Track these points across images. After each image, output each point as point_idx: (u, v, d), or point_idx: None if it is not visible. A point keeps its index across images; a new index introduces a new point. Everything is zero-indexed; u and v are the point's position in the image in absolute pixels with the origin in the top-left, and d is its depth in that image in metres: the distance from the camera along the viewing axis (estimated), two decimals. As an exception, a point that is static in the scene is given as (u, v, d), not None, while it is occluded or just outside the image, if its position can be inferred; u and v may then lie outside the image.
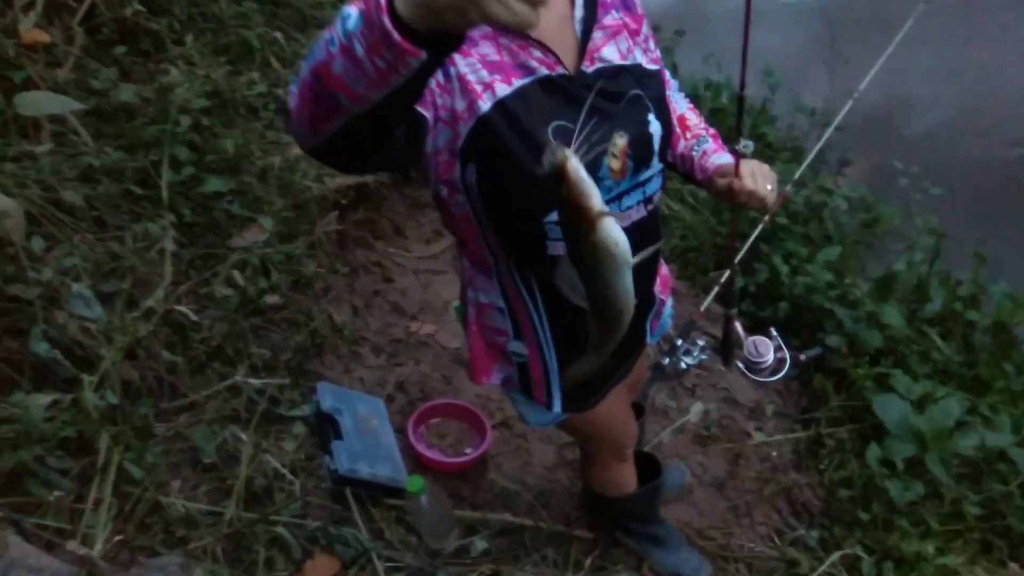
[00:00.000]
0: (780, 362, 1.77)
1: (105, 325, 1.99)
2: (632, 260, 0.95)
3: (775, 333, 1.80)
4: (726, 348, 1.78)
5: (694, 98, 3.87)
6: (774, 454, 2.40)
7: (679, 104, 1.54)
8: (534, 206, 1.18)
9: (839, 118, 2.77)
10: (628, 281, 0.98)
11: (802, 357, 1.88)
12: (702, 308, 2.35)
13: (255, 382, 2.21)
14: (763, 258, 2.97)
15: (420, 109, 1.03)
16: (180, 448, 2.07)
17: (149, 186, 2.24)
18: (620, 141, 1.19)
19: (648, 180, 1.28)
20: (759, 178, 1.39)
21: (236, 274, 2.25)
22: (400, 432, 2.37)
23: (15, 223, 2.00)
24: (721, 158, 1.45)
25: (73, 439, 1.83)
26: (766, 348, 1.77)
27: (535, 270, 1.28)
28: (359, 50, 0.76)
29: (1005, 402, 2.28)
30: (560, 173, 0.86)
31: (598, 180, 1.19)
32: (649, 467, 2.03)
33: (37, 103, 2.02)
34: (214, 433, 2.02)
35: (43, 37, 2.29)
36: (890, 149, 4.26)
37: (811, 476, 2.35)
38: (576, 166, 0.87)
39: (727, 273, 1.82)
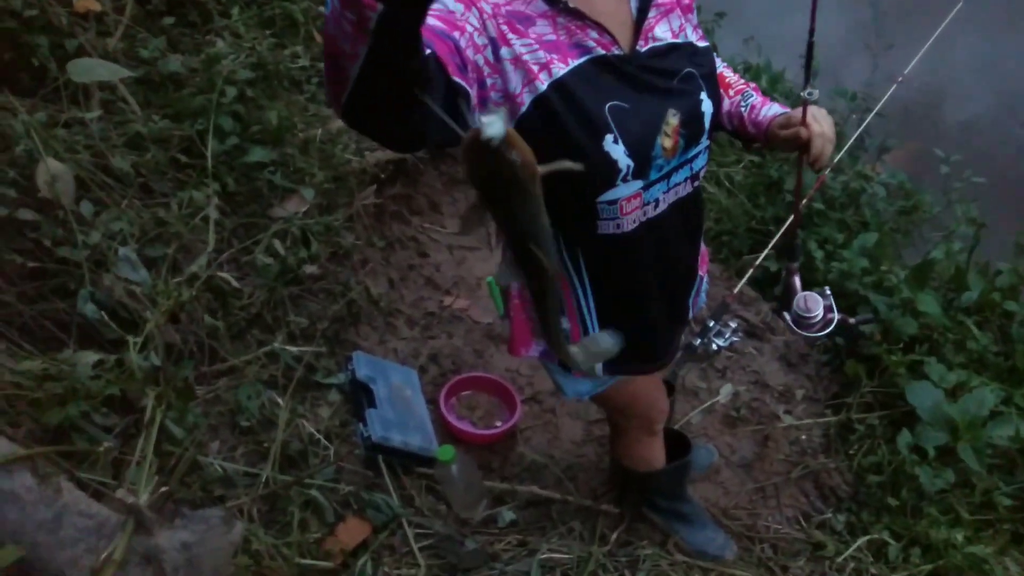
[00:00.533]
0: (828, 322, 1.75)
1: (150, 289, 2.04)
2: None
3: (828, 292, 1.78)
4: (786, 298, 1.77)
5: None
6: (803, 437, 2.41)
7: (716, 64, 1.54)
8: (588, 185, 1.20)
9: (881, 103, 2.74)
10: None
11: (851, 320, 1.86)
12: (735, 290, 2.36)
13: (292, 349, 2.26)
14: (802, 244, 2.95)
15: (460, 80, 1.03)
16: (219, 411, 2.13)
17: (194, 155, 2.29)
18: (673, 120, 1.21)
19: (696, 156, 1.30)
20: (822, 121, 1.37)
21: (277, 243, 2.30)
22: (432, 403, 2.41)
23: (65, 187, 2.05)
24: (771, 109, 1.43)
25: (117, 397, 1.90)
26: (816, 304, 1.74)
27: (583, 247, 1.30)
28: (336, 6, 0.77)
29: (1041, 393, 2.26)
30: (507, 141, 0.82)
31: (651, 158, 1.21)
32: (678, 445, 2.05)
33: (89, 70, 2.05)
34: (255, 395, 2.07)
35: (94, 6, 2.34)
36: (931, 136, 4.19)
37: (840, 461, 2.35)
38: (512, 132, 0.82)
39: (791, 221, 1.79)
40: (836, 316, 1.75)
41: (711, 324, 2.36)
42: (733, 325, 2.66)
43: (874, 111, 2.79)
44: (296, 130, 2.48)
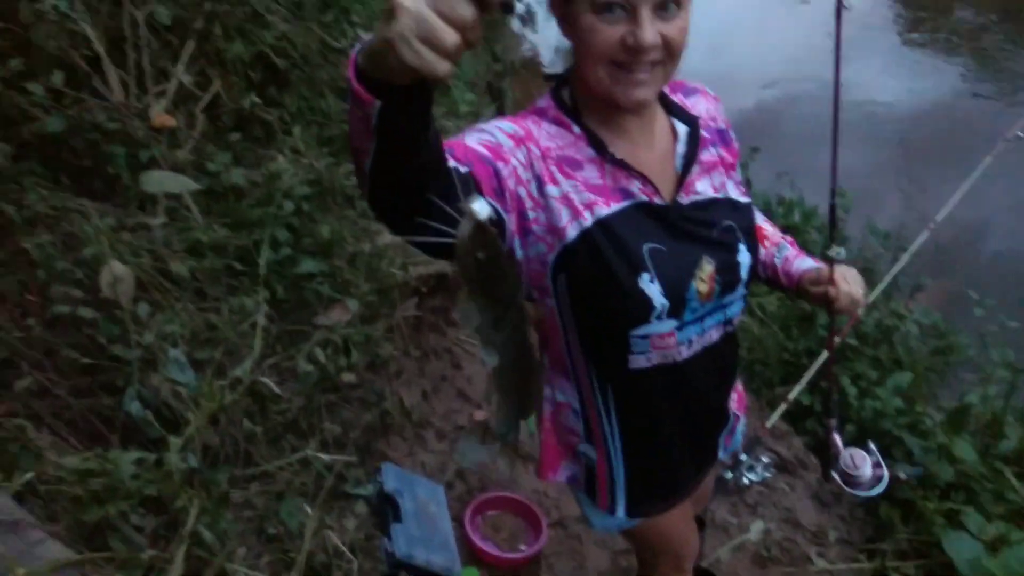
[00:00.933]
0: (878, 479, 1.72)
1: (195, 390, 2.11)
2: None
3: (873, 447, 1.77)
4: (824, 460, 1.76)
5: (767, 214, 3.95)
6: (836, 583, 2.34)
7: (755, 217, 1.61)
8: (622, 318, 1.24)
9: (915, 246, 2.80)
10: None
11: (901, 475, 1.83)
12: (768, 424, 2.36)
13: (325, 457, 2.28)
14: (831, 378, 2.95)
15: (494, 201, 1.06)
16: (248, 516, 2.14)
17: (248, 263, 2.40)
18: (708, 267, 1.26)
19: (731, 304, 1.34)
20: (851, 281, 1.43)
21: (319, 351, 2.36)
22: (456, 520, 2.39)
23: (125, 288, 2.16)
24: (804, 263, 1.49)
25: (152, 498, 1.93)
26: (862, 461, 1.73)
27: (613, 380, 1.33)
28: (348, 103, 0.82)
29: (1086, 552, 2.18)
30: (480, 228, 0.82)
31: (685, 300, 1.26)
32: (707, 584, 2.00)
33: (160, 182, 2.21)
34: (295, 510, 2.08)
35: (170, 122, 2.52)
36: (965, 275, 4.22)
37: (875, 610, 2.27)
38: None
39: (814, 376, 1.82)
40: (885, 472, 1.72)
41: (743, 458, 2.36)
42: (765, 460, 2.65)
43: (908, 252, 2.85)
44: (346, 243, 2.59)
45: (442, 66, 0.70)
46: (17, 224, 2.09)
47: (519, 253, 1.21)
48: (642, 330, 1.25)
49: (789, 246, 1.54)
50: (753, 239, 1.36)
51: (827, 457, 1.75)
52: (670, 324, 1.26)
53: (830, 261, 1.44)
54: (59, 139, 2.30)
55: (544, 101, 1.27)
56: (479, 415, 2.80)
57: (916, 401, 2.71)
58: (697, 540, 1.89)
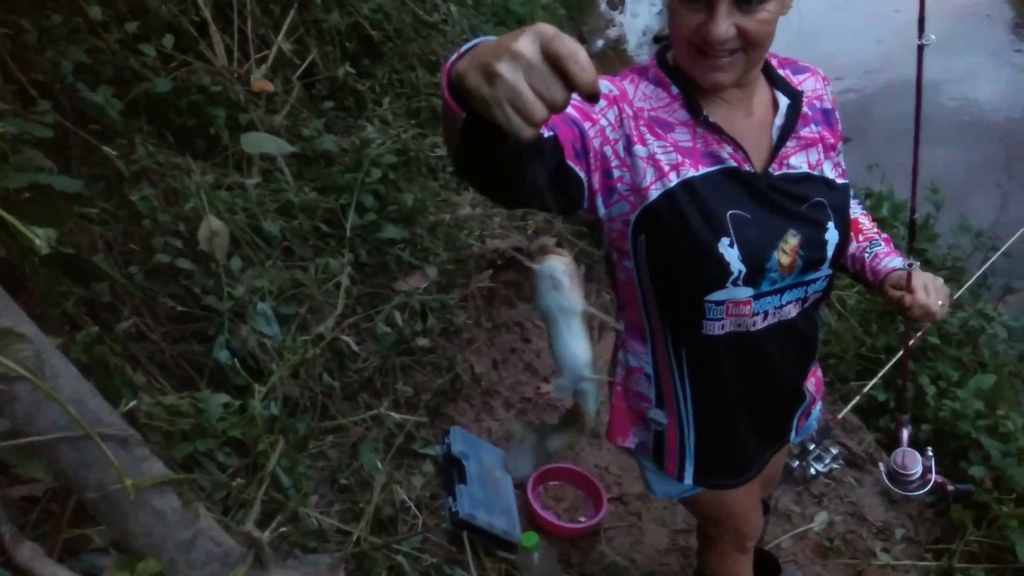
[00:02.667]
0: (925, 482, 1.72)
1: (279, 343, 2.22)
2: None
3: (931, 453, 1.76)
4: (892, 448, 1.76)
5: (852, 206, 3.85)
6: (900, 579, 2.30)
7: (853, 209, 1.57)
8: (698, 282, 1.26)
9: (1008, 244, 2.70)
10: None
11: (950, 487, 1.81)
12: (840, 415, 2.32)
13: (396, 416, 2.37)
14: (910, 376, 2.88)
15: (574, 165, 1.10)
16: (321, 466, 2.25)
17: (335, 226, 2.50)
18: (793, 239, 1.27)
19: (813, 281, 1.33)
20: (932, 292, 1.39)
21: (396, 315, 2.45)
22: (519, 488, 2.45)
23: (221, 243, 2.28)
24: (893, 261, 1.46)
25: (236, 440, 2.05)
26: (913, 462, 1.72)
27: (687, 345, 1.35)
28: (443, 92, 0.85)
29: None
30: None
31: (765, 270, 1.27)
32: (767, 568, 2.00)
33: (259, 143, 2.32)
34: (365, 451, 2.17)
35: (269, 87, 2.64)
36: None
37: (938, 610, 2.23)
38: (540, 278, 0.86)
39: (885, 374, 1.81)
40: (934, 478, 1.72)
41: (811, 447, 2.33)
42: (834, 451, 2.60)
43: (1000, 250, 2.75)
44: (428, 213, 2.67)
45: (528, 132, 0.73)
46: (125, 177, 2.23)
47: (602, 211, 1.24)
48: (718, 295, 1.26)
49: (883, 243, 1.51)
50: (845, 220, 1.35)
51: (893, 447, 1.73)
52: (747, 292, 1.27)
53: (908, 274, 1.40)
54: (166, 99, 2.44)
55: (650, 60, 1.29)
56: (545, 388, 2.85)
57: (998, 404, 2.62)
58: (761, 521, 1.89)
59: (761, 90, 1.30)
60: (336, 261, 2.38)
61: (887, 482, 1.74)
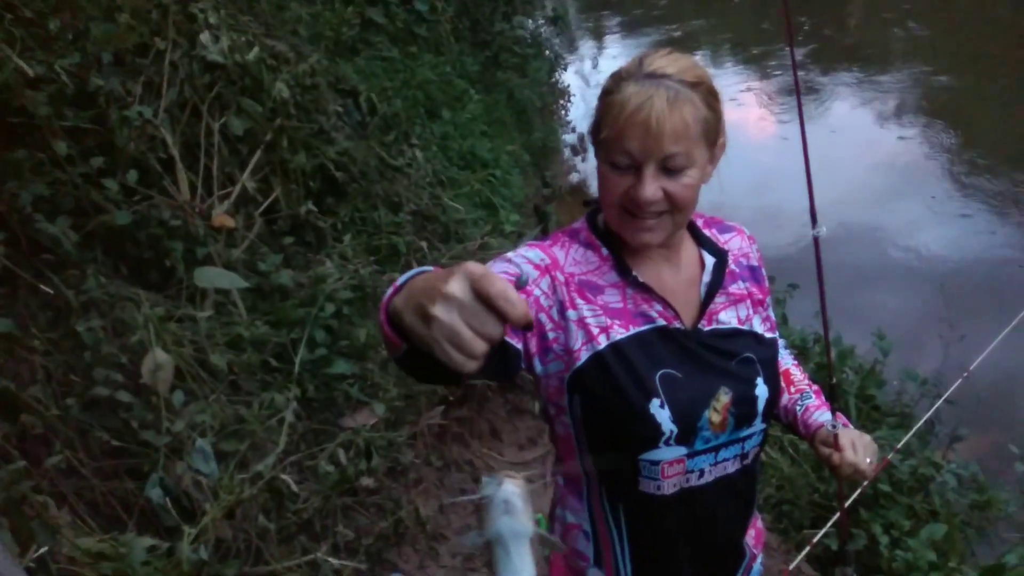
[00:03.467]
0: None
1: (216, 481, 2.15)
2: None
3: None
4: None
5: (802, 351, 3.93)
6: None
7: (784, 359, 1.60)
8: (631, 442, 1.25)
9: (948, 392, 2.75)
10: None
11: None
12: (791, 566, 2.27)
13: (335, 562, 2.27)
14: (862, 524, 2.85)
15: (511, 340, 1.15)
16: (252, 616, 2.13)
17: (285, 360, 2.48)
18: (724, 397, 1.27)
19: (748, 437, 1.33)
20: (859, 450, 1.39)
21: (341, 452, 2.40)
22: (462, 641, 2.33)
23: (164, 376, 2.25)
24: (823, 415, 1.47)
25: (161, 587, 1.93)
26: None
27: (624, 502, 1.33)
28: (380, 328, 0.90)
29: None
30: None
31: (697, 428, 1.27)
32: None
33: (211, 278, 2.34)
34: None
35: (229, 223, 2.69)
36: (1007, 430, 4.09)
37: None
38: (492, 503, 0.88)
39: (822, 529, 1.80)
40: None
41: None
42: (787, 607, 2.52)
43: (942, 399, 2.80)
44: (380, 348, 2.67)
45: (469, 365, 0.76)
46: (73, 307, 2.22)
47: (539, 369, 1.26)
48: (651, 455, 1.26)
49: (814, 395, 1.53)
50: (774, 374, 1.37)
51: None
52: (679, 451, 1.27)
53: (835, 432, 1.41)
54: (125, 231, 2.47)
55: (580, 223, 1.35)
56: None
57: (951, 556, 2.59)
58: None
59: (688, 249, 1.36)
60: (282, 396, 2.35)
61: None
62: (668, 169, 1.19)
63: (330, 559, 2.27)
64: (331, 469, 2.38)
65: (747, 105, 8.93)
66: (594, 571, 1.41)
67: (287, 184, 2.91)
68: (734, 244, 1.42)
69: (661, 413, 1.23)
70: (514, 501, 0.85)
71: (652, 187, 1.19)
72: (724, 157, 1.29)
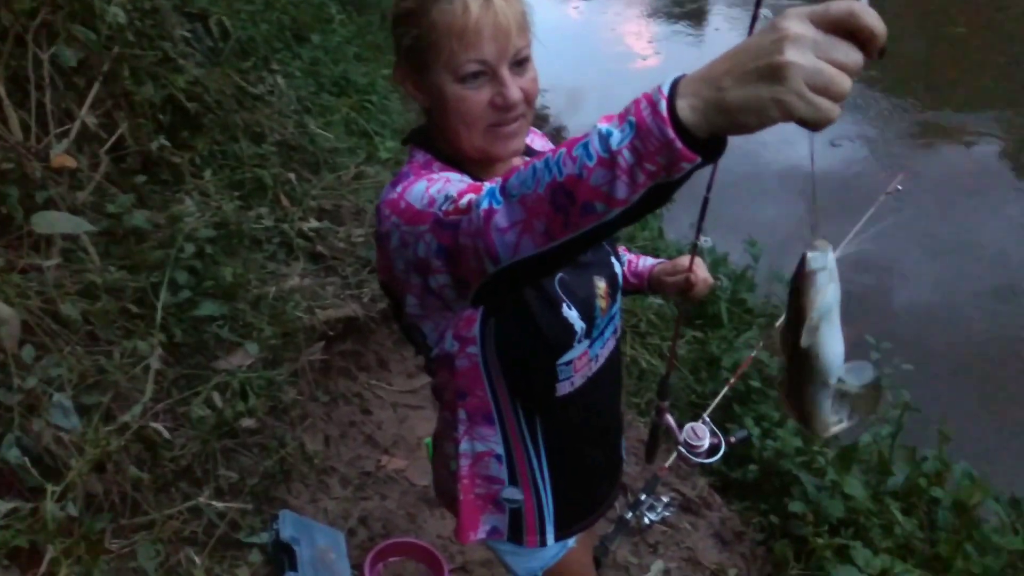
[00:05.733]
0: (714, 447, 1.96)
1: (79, 436, 2.04)
2: (833, 383, 0.90)
3: (707, 419, 2.01)
4: (653, 441, 1.94)
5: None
6: (731, 621, 2.36)
7: None
8: (550, 350, 1.29)
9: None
10: (820, 400, 0.93)
11: (732, 439, 2.07)
12: (667, 463, 2.39)
13: (218, 505, 2.22)
14: (736, 419, 3.02)
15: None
16: (133, 567, 2.07)
17: (146, 306, 2.36)
18: (601, 284, 1.35)
19: (617, 311, 1.43)
20: (701, 268, 1.58)
21: (216, 395, 2.32)
22: (357, 568, 2.35)
23: (9, 331, 2.10)
24: (647, 261, 1.65)
25: (25, 549, 1.85)
26: (703, 433, 1.96)
27: (541, 412, 1.38)
28: (626, 160, 0.77)
29: (966, 584, 2.27)
30: (803, 277, 0.84)
31: (594, 319, 1.32)
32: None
33: (51, 222, 2.18)
34: (162, 553, 2.01)
35: (70, 163, 2.49)
36: (872, 324, 4.40)
37: (768, 647, 2.30)
38: (815, 270, 0.83)
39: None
40: (721, 440, 1.97)
41: (643, 498, 2.38)
42: (665, 499, 2.67)
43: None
44: (250, 286, 2.57)
45: (837, 112, 0.70)
46: None
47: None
48: (567, 356, 1.31)
49: (625, 252, 1.67)
50: (616, 248, 1.48)
51: (655, 441, 1.92)
52: (584, 345, 1.34)
53: (693, 250, 1.58)
54: (-52, 180, 2.25)
55: (420, 157, 1.28)
56: (385, 460, 2.77)
57: (815, 442, 2.79)
58: (595, 577, 1.90)
59: (517, 161, 1.36)
60: (145, 343, 2.24)
61: (684, 454, 1.96)
62: (518, 65, 1.18)
63: (213, 503, 2.22)
64: (207, 413, 2.31)
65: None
66: (510, 490, 1.44)
67: (134, 118, 2.71)
68: (538, 145, 1.45)
69: (571, 315, 1.28)
70: (834, 267, 0.82)
71: (515, 87, 1.17)
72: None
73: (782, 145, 6.42)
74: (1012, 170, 6.58)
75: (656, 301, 3.66)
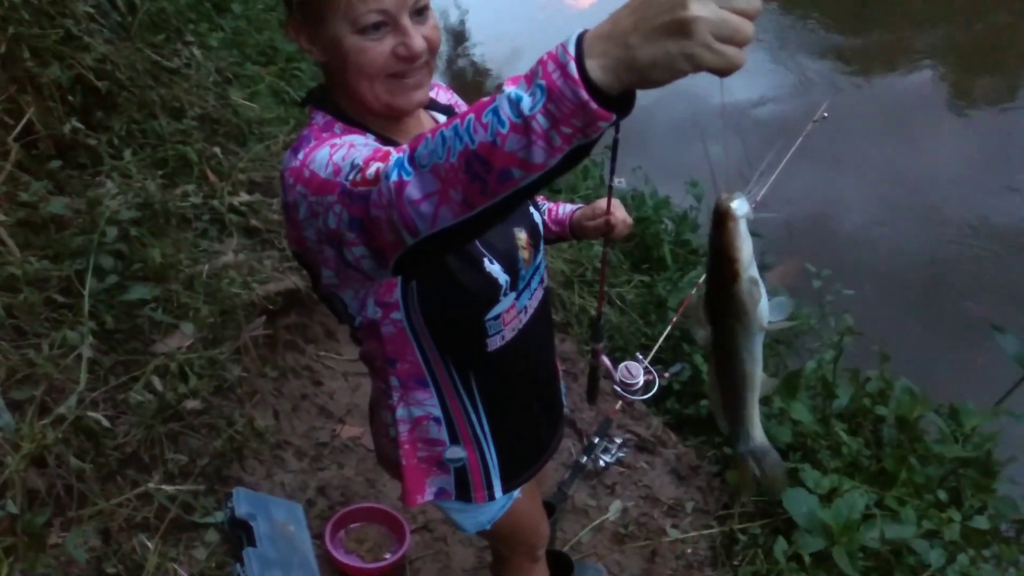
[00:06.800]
0: (648, 384, 2.03)
1: (12, 433, 1.98)
2: (766, 326, 0.97)
3: (641, 357, 2.07)
4: (593, 383, 1.93)
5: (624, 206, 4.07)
6: (689, 551, 2.42)
7: None
8: (476, 306, 1.28)
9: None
10: (755, 345, 1.00)
11: (666, 375, 2.13)
12: (618, 406, 2.42)
13: (168, 488, 2.19)
14: (686, 357, 3.06)
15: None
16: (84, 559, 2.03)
17: (72, 294, 2.28)
18: (521, 235, 1.34)
19: (541, 261, 1.43)
20: (620, 207, 1.60)
21: (155, 380, 2.27)
22: (318, 538, 2.35)
23: (-72, 333, 2.02)
24: (565, 208, 1.66)
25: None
26: (637, 371, 2.02)
27: (475, 369, 1.36)
28: (540, 125, 0.76)
29: (911, 494, 2.34)
30: (721, 216, 0.90)
31: (518, 271, 1.31)
32: (560, 567, 2.03)
33: (-40, 216, 2.08)
34: (111, 541, 1.98)
35: (-25, 153, 2.38)
36: (815, 253, 4.48)
37: (725, 572, 2.36)
38: (739, 217, 0.89)
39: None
40: (655, 376, 2.04)
41: (596, 441, 2.41)
42: (619, 441, 2.71)
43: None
44: (181, 266, 2.51)
45: (744, 57, 0.72)
46: None
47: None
48: (494, 311, 1.30)
49: (544, 201, 1.68)
50: (533, 200, 1.47)
51: (595, 381, 1.91)
52: (511, 297, 1.33)
53: (609, 191, 1.58)
54: None
55: (320, 119, 1.22)
56: (339, 429, 2.76)
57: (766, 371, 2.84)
58: (547, 526, 1.91)
59: (423, 116, 1.34)
60: (74, 333, 2.17)
61: (621, 393, 2.01)
62: (418, 13, 1.15)
63: (164, 487, 2.19)
64: (148, 398, 2.26)
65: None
66: (453, 449, 1.43)
67: (42, 102, 2.59)
68: (444, 98, 1.42)
69: (494, 268, 1.27)
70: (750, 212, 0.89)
71: (418, 36, 1.14)
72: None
73: (718, 85, 6.44)
74: (946, 95, 6.71)
75: (601, 248, 3.67)
